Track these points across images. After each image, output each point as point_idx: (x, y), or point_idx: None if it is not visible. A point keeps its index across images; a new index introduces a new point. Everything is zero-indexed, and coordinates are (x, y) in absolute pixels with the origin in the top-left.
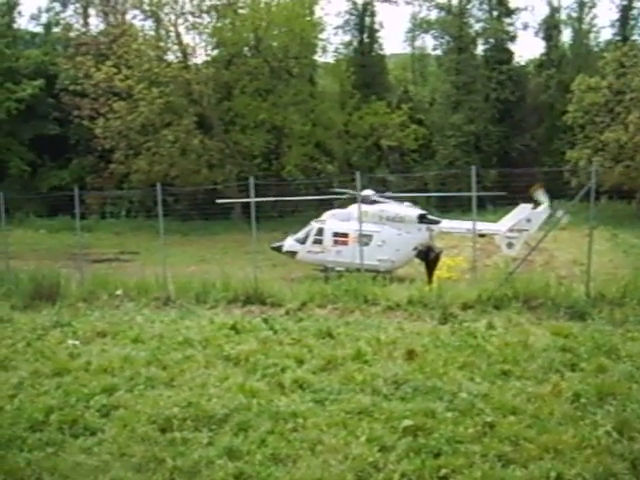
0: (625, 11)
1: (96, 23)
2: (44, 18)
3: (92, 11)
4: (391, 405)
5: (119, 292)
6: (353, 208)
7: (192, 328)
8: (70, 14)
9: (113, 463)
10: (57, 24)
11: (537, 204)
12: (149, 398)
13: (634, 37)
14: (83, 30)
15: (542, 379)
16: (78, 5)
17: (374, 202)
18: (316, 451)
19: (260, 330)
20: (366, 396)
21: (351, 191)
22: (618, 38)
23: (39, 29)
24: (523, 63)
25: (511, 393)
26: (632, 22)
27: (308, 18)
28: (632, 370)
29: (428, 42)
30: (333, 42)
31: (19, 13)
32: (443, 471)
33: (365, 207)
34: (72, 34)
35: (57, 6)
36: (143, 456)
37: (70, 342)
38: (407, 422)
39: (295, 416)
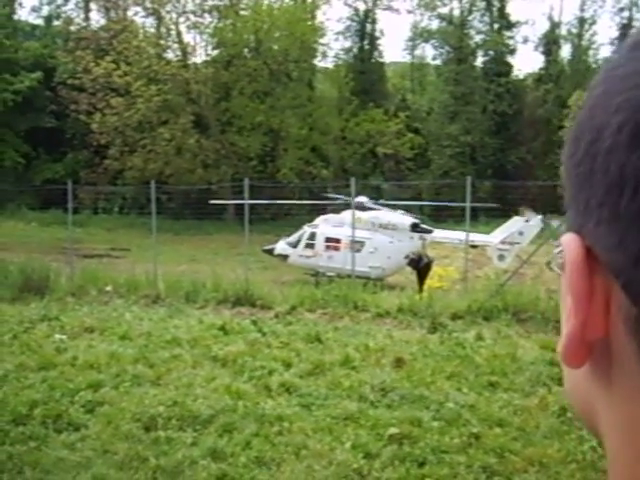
0: (625, 29)
1: (97, 18)
2: (45, 11)
3: (94, 6)
4: (377, 412)
5: (109, 288)
6: (346, 214)
7: (181, 327)
8: (71, 8)
9: (96, 460)
10: (58, 17)
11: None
12: (134, 396)
13: None
14: (84, 24)
15: (529, 392)
16: None
17: (368, 208)
18: (300, 455)
19: (249, 332)
20: (352, 402)
21: (345, 197)
22: None
23: (40, 21)
24: (522, 77)
25: (498, 405)
26: None
27: (309, 22)
28: None
29: (428, 51)
30: (333, 47)
31: (20, 4)
32: None
33: (358, 213)
34: (72, 28)
35: None
36: (126, 454)
37: (57, 336)
38: (393, 430)
39: (281, 420)
